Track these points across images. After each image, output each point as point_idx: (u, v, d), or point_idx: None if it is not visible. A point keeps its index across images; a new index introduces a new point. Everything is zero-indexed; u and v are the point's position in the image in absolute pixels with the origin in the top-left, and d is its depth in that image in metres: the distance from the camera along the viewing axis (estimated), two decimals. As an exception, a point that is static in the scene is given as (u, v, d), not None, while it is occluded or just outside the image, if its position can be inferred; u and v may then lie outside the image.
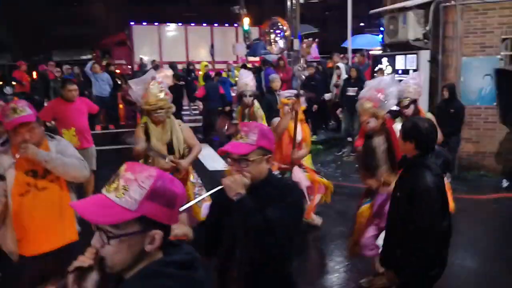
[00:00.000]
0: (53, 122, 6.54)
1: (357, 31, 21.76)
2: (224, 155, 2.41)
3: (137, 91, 4.33)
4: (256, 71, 12.74)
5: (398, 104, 4.66)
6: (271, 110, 7.14)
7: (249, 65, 15.95)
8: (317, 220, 6.08)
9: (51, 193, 3.18)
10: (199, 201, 2.82)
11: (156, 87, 4.23)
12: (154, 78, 4.29)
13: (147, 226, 1.36)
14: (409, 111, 4.79)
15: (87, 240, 3.32)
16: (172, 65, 14.65)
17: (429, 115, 4.97)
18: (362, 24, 28.98)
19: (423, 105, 6.74)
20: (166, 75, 12.35)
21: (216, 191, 2.28)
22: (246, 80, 6.16)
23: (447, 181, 5.32)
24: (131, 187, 1.35)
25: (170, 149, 4.32)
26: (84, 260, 1.36)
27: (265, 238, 2.06)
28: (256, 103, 6.27)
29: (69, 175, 3.21)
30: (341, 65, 11.19)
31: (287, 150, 5.29)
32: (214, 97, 11.42)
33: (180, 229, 2.16)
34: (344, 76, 10.45)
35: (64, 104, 6.34)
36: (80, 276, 1.35)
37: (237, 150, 2.21)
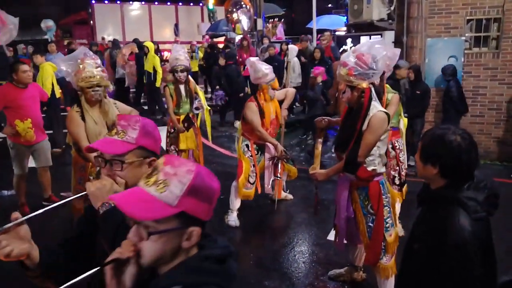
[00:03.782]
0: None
1: (324, 11, 21.58)
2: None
3: (68, 69, 3.96)
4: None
5: None
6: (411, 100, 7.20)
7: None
8: (289, 196, 6.34)
9: None
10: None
11: (91, 63, 3.91)
12: (86, 54, 3.94)
13: (185, 222, 1.31)
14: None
15: None
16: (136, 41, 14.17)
17: (391, 96, 4.70)
18: (329, 5, 28.77)
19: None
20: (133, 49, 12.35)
21: (81, 196, 1.81)
22: (176, 54, 5.83)
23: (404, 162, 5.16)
24: (171, 182, 1.29)
25: None
26: (123, 252, 1.31)
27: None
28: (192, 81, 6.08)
29: None
30: (291, 46, 11.27)
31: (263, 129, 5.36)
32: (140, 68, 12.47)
33: (18, 248, 1.53)
34: (293, 58, 10.51)
35: (16, 90, 5.57)
36: (117, 268, 1.31)
37: (109, 149, 1.76)
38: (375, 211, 3.54)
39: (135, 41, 14.04)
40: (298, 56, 11.02)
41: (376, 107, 3.38)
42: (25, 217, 1.56)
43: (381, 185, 3.56)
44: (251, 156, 5.47)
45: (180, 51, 5.88)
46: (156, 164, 1.35)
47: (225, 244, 1.43)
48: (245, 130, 5.51)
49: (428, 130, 2.22)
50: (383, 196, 3.56)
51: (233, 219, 5.52)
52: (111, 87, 4.07)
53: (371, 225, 3.58)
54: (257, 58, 6.42)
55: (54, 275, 1.62)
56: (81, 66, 3.90)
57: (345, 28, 12.29)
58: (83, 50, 4.03)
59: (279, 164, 5.61)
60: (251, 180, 5.45)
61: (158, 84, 11.83)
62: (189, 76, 5.99)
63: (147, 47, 12.21)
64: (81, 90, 3.94)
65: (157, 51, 14.92)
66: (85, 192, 1.71)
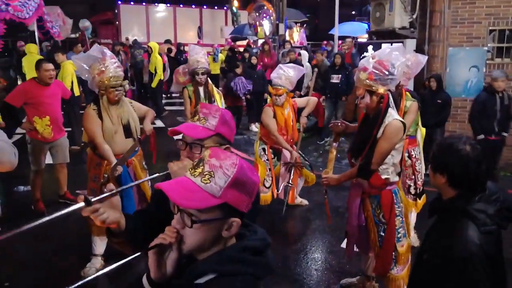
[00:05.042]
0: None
1: (347, 19, 21.52)
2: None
3: (88, 67, 4.00)
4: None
5: None
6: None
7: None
8: (304, 201, 6.30)
9: None
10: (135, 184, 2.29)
11: (113, 63, 3.97)
12: (104, 53, 3.97)
13: (227, 213, 1.36)
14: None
15: (18, 240, 3.15)
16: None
17: (409, 103, 4.67)
18: (353, 12, 28.66)
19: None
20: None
21: (163, 175, 1.98)
22: (197, 56, 5.76)
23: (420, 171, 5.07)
24: (216, 173, 1.34)
25: (127, 130, 4.10)
26: (165, 238, 1.38)
27: None
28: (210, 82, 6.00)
29: None
30: (303, 52, 11.16)
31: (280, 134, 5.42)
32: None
33: (112, 216, 1.70)
34: (306, 64, 10.43)
35: (39, 87, 5.59)
36: (159, 253, 1.40)
37: (192, 133, 1.92)
38: (386, 220, 3.51)
39: (167, 41, 14.23)
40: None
41: (392, 115, 3.36)
42: (119, 189, 1.73)
43: (393, 194, 3.52)
44: (267, 160, 5.51)
45: (200, 53, 5.83)
46: (202, 155, 1.41)
47: (264, 236, 1.48)
48: (262, 134, 5.57)
49: (441, 139, 2.23)
50: (396, 206, 3.52)
51: None
52: (127, 87, 4.18)
53: (383, 234, 3.55)
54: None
55: (134, 241, 1.77)
56: (103, 66, 3.93)
57: (367, 35, 12.24)
58: (98, 49, 4.04)
59: (292, 171, 5.61)
60: (267, 184, 5.49)
61: (154, 84, 12.11)
62: (208, 78, 5.95)
63: (151, 48, 12.21)
64: (105, 90, 3.98)
65: (183, 52, 15.14)
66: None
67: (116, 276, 1.52)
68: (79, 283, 1.39)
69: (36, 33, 9.95)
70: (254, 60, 10.93)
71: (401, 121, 3.37)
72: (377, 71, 3.25)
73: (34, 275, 4.34)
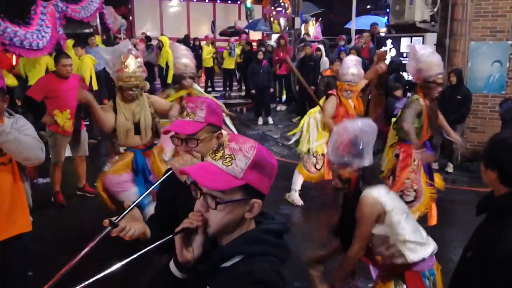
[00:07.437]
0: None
1: (363, 13, 21.29)
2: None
3: (110, 61, 3.97)
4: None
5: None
6: None
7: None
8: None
9: (1, 180, 2.83)
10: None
11: (133, 62, 3.90)
12: (130, 50, 3.92)
13: (249, 194, 1.40)
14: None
15: (39, 231, 3.17)
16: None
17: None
18: (368, 6, 28.36)
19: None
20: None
21: (166, 176, 1.99)
22: (185, 60, 5.24)
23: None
24: (237, 156, 1.38)
25: (137, 129, 4.07)
26: (192, 222, 1.41)
27: None
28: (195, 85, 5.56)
29: (22, 154, 2.77)
30: (321, 46, 11.02)
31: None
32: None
33: (138, 228, 1.79)
34: (324, 58, 10.29)
35: (58, 81, 5.64)
36: (186, 237, 1.43)
37: (184, 130, 1.99)
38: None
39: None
40: (326, 86, 10.01)
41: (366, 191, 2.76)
42: (135, 203, 1.80)
43: (422, 278, 2.80)
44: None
45: (188, 56, 5.28)
46: (221, 141, 1.45)
47: (283, 221, 1.54)
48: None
49: (494, 134, 2.11)
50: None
51: (296, 199, 6.10)
52: (148, 87, 4.08)
53: None
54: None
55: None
56: (123, 64, 3.89)
57: (384, 29, 12.06)
58: (127, 45, 4.01)
59: None
60: (318, 166, 5.87)
61: (169, 80, 11.99)
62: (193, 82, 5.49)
63: (162, 42, 12.15)
64: (119, 88, 3.96)
65: (199, 47, 15.09)
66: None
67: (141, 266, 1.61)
68: (116, 266, 1.45)
69: (99, 27, 12.02)
70: (260, 55, 10.85)
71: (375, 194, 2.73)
72: (349, 161, 2.72)
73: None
